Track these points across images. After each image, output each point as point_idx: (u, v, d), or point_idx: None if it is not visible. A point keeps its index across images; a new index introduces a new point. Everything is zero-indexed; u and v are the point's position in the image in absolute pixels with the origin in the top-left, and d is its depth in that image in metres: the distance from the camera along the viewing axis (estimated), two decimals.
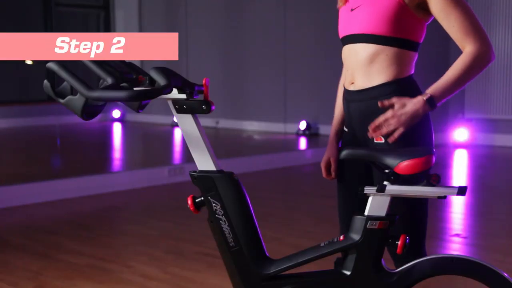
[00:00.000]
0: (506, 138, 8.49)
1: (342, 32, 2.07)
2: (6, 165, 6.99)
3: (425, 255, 2.00)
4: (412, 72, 2.02)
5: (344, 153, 1.88)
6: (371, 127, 1.89)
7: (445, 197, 1.81)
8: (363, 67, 1.99)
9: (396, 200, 1.89)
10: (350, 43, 2.02)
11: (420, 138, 1.96)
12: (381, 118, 1.87)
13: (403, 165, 1.79)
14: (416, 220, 2.02)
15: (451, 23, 1.90)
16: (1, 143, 8.96)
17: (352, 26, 2.01)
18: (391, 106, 1.87)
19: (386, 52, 1.95)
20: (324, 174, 2.20)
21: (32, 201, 5.22)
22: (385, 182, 1.82)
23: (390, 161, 1.81)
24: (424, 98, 1.87)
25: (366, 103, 2.00)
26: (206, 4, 9.94)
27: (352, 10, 2.01)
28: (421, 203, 2.01)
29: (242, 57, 9.86)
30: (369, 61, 1.98)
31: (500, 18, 8.36)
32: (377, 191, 1.82)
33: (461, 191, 1.77)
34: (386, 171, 1.83)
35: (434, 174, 1.80)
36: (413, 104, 1.86)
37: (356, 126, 2.06)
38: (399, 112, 1.86)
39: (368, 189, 1.83)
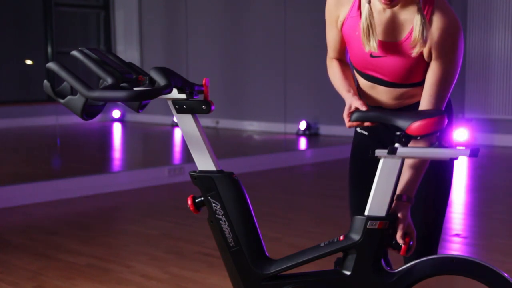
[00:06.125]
0: (506, 138, 8.49)
1: (360, 67, 2.05)
2: (6, 165, 6.99)
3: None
4: None
5: (355, 115, 1.86)
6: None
7: (457, 158, 1.78)
8: (388, 101, 2.04)
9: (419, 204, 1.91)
10: (371, 82, 2.04)
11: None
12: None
13: (415, 126, 1.76)
14: (434, 222, 2.06)
15: (430, 75, 1.91)
16: (1, 143, 8.96)
17: (372, 70, 2.01)
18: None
19: (409, 91, 2.00)
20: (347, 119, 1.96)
21: (32, 201, 5.23)
22: (396, 144, 1.80)
23: (401, 122, 1.78)
24: (408, 203, 1.90)
25: None
26: (206, 4, 9.95)
27: (372, 56, 1.98)
28: (442, 206, 2.04)
29: (242, 58, 9.86)
30: (395, 99, 2.03)
31: (500, 18, 8.36)
32: (388, 153, 1.79)
33: (474, 152, 1.74)
34: (397, 133, 1.81)
35: (445, 135, 1.79)
36: (404, 215, 1.89)
37: (382, 132, 2.09)
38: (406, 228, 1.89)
39: (379, 152, 1.81)
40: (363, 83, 2.07)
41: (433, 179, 2.04)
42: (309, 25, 8.80)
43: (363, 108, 1.89)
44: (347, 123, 1.91)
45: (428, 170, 1.96)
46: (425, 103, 1.92)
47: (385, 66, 1.96)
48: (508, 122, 8.45)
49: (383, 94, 2.03)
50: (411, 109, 2.02)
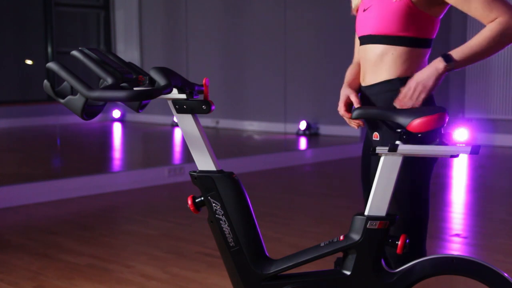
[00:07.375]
0: (506, 138, 8.49)
1: (358, 33, 2.11)
2: (6, 165, 6.99)
3: (425, 255, 2.00)
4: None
5: (356, 112, 1.87)
6: (396, 101, 1.90)
7: (457, 155, 1.77)
8: (371, 66, 2.02)
9: (399, 198, 1.88)
10: (364, 44, 2.06)
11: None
12: (404, 90, 1.89)
13: (416, 123, 1.76)
14: (418, 219, 2.01)
15: (472, 6, 1.88)
16: (1, 143, 8.96)
17: (364, 27, 2.05)
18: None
19: (392, 51, 1.97)
20: (342, 109, 2.06)
21: (32, 201, 5.22)
22: (397, 142, 1.79)
23: (402, 119, 1.79)
24: (441, 57, 1.87)
25: (370, 98, 2.04)
26: (206, 4, 9.94)
27: (364, 10, 2.05)
28: (421, 199, 2.00)
29: (242, 57, 9.85)
30: (377, 61, 2.00)
31: None
32: (389, 150, 1.78)
33: (475, 149, 1.73)
34: (398, 130, 1.81)
35: (446, 132, 1.79)
36: (429, 67, 1.88)
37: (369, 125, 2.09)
38: (418, 79, 1.88)
39: (380, 149, 1.80)
40: (360, 55, 2.11)
41: (408, 174, 1.96)
42: (309, 25, 8.80)
43: (357, 105, 1.96)
44: (352, 123, 1.95)
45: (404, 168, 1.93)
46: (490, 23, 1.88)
47: (372, 15, 2.00)
48: (508, 122, 8.45)
49: (367, 55, 2.03)
50: (386, 88, 1.99)
